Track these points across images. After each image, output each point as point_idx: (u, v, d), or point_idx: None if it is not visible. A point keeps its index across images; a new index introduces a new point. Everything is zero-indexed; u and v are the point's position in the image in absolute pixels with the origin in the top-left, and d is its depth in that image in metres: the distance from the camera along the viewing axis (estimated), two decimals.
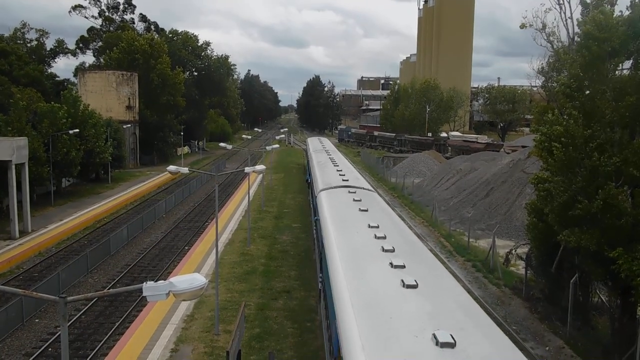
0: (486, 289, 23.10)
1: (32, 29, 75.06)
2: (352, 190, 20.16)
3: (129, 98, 66.96)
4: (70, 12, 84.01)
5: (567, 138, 15.82)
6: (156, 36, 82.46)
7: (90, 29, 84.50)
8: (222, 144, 42.77)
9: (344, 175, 25.21)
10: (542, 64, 24.53)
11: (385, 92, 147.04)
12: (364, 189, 21.87)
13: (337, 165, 30.59)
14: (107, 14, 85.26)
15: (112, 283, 25.19)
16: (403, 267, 10.55)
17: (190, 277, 7.36)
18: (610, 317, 17.40)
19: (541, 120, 18.59)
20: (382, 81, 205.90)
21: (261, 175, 49.48)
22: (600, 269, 15.62)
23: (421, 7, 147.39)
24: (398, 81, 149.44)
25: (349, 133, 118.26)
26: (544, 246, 19.44)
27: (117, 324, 20.33)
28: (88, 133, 45.36)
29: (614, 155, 15.12)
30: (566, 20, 21.37)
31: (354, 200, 18.04)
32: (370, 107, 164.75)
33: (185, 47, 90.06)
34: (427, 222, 36.11)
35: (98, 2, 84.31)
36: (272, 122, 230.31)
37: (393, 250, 11.82)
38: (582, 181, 15.65)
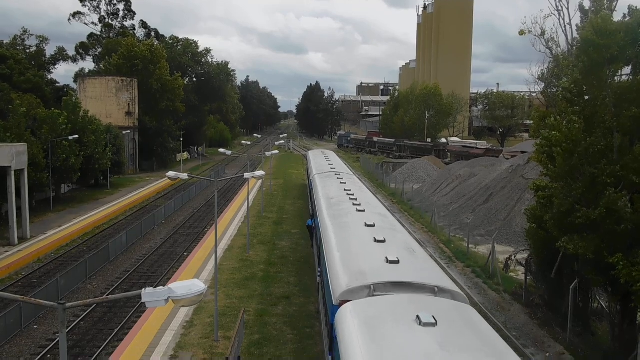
0: (486, 294, 23.08)
1: (32, 35, 75.21)
2: (420, 302, 9.93)
3: (128, 104, 67.05)
4: (69, 19, 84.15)
5: (568, 144, 15.80)
6: (156, 42, 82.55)
7: (90, 35, 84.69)
8: (221, 150, 42.70)
9: (383, 241, 13.93)
10: (541, 70, 24.65)
11: (384, 98, 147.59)
12: (446, 291, 10.95)
13: (363, 210, 18.35)
14: (107, 20, 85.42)
15: (111, 289, 25.11)
16: None
17: (189, 283, 7.37)
18: (610, 323, 17.39)
19: (541, 125, 18.61)
20: (382, 87, 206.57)
21: (260, 181, 49.57)
22: (600, 275, 15.61)
23: (420, 13, 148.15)
24: (397, 87, 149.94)
25: (349, 139, 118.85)
26: (544, 252, 19.44)
27: (116, 330, 20.27)
28: (88, 139, 45.33)
29: (613, 161, 15.14)
30: (565, 26, 21.47)
31: None
32: (370, 113, 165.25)
33: (185, 54, 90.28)
34: (427, 228, 36.11)
35: (98, 9, 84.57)
36: (271, 128, 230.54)
37: None
38: (582, 187, 15.65)
